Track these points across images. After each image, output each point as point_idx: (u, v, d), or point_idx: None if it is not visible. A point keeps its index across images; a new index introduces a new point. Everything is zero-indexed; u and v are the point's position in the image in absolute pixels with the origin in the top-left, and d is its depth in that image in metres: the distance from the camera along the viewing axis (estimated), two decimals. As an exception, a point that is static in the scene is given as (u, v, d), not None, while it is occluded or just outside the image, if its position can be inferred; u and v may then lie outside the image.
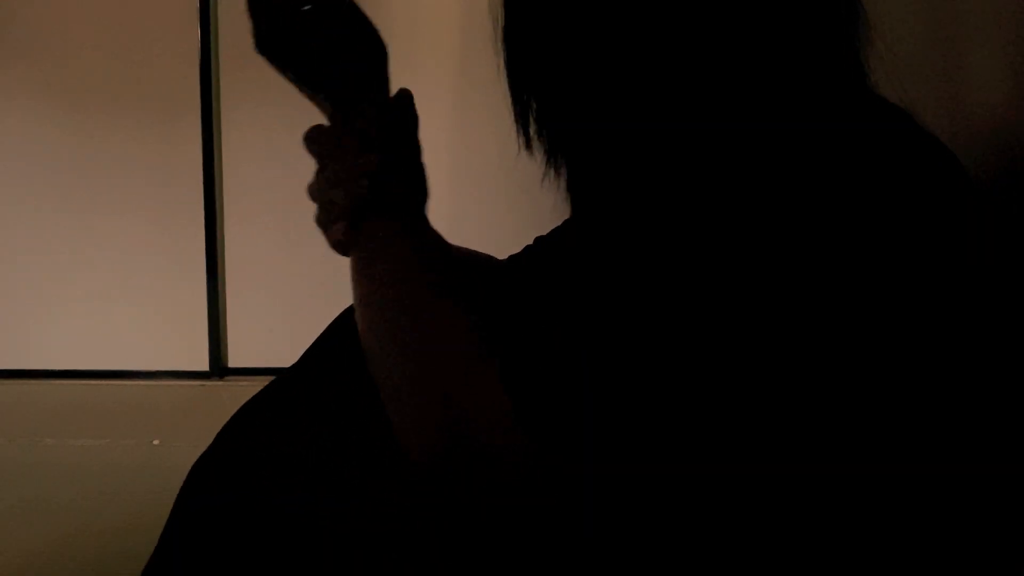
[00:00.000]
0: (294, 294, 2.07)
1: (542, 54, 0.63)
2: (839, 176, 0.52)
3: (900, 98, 0.60)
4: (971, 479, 0.54)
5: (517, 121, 0.65)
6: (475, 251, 0.85)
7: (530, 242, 0.84)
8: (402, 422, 0.59)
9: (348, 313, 0.70)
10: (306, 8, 0.65)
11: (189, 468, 0.64)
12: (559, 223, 0.81)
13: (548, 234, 0.81)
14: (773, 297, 0.51)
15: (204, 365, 2.12)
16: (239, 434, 0.65)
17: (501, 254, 0.90)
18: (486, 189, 1.97)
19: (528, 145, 0.65)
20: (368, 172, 0.62)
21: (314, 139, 0.64)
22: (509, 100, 0.66)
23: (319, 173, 0.64)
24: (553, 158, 0.65)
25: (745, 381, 0.51)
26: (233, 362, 2.13)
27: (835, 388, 0.51)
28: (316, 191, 0.64)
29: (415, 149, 0.67)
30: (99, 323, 2.12)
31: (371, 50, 0.67)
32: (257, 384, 0.69)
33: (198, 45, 2.04)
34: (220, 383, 2.11)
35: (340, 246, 0.63)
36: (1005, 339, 0.54)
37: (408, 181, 0.66)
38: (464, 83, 1.96)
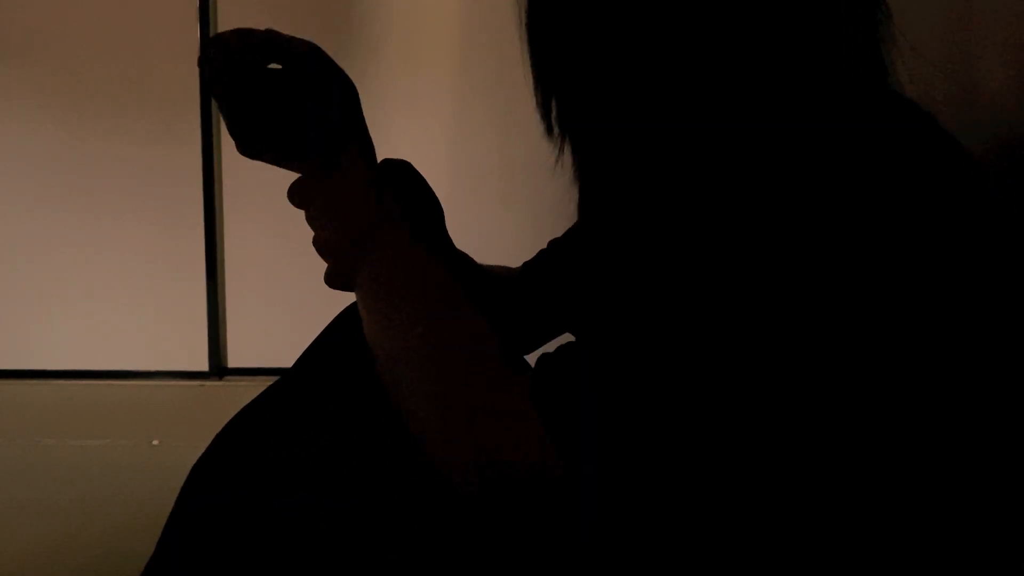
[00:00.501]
0: (294, 294, 2.07)
1: (564, 43, 0.63)
2: (852, 175, 0.52)
3: (916, 93, 0.60)
4: (971, 479, 0.54)
5: (539, 108, 0.65)
6: (490, 265, 0.85)
7: (532, 242, 0.84)
8: (436, 448, 0.58)
9: (346, 313, 0.70)
10: (271, 68, 0.62)
11: (189, 468, 0.64)
12: (559, 223, 0.81)
13: (561, 236, 0.81)
14: (777, 295, 0.51)
15: (204, 365, 2.11)
16: (239, 435, 0.65)
17: (501, 254, 0.91)
18: (486, 189, 1.97)
19: (549, 131, 0.65)
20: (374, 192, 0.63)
21: (296, 192, 0.65)
22: (532, 87, 0.65)
23: (309, 218, 0.65)
24: (569, 144, 0.65)
25: (747, 380, 0.51)
26: (232, 362, 2.13)
27: (837, 387, 0.51)
28: (316, 241, 0.65)
29: (412, 171, 0.67)
30: (99, 323, 2.12)
31: (345, 98, 0.65)
32: (256, 384, 0.69)
33: (198, 45, 2.04)
34: (219, 383, 2.11)
35: (341, 279, 0.64)
36: (1008, 338, 0.54)
37: (414, 200, 0.66)
38: (464, 83, 1.96)
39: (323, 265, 0.66)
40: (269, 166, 0.67)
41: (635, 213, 0.62)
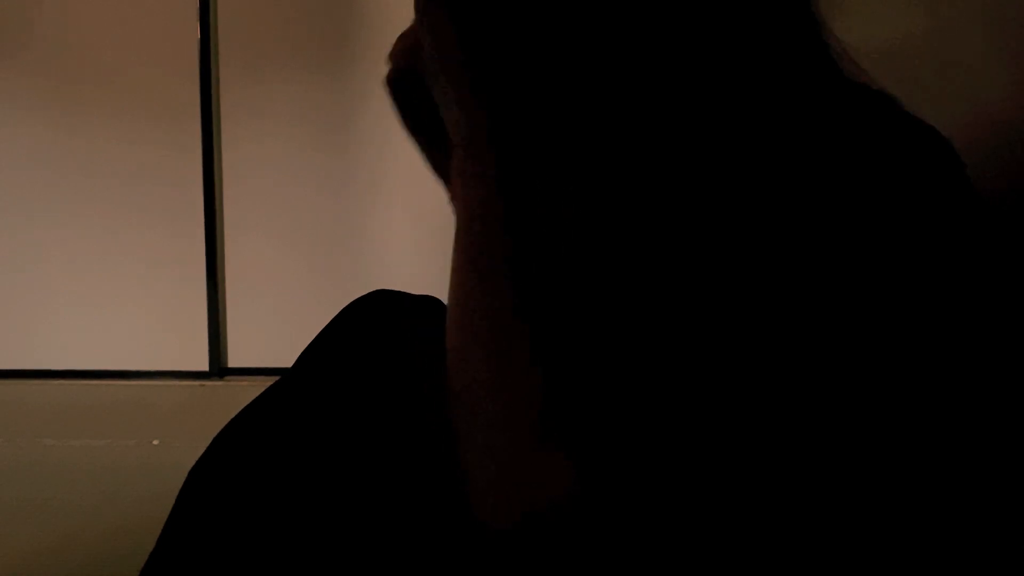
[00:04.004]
0: (294, 295, 2.07)
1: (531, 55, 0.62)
2: (826, 173, 0.52)
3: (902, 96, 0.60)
4: (971, 479, 0.54)
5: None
6: None
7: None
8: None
9: (346, 313, 0.70)
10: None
11: (189, 468, 0.65)
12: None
13: None
14: (775, 293, 0.51)
15: (204, 365, 2.12)
16: (239, 435, 0.65)
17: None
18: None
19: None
20: None
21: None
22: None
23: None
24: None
25: (747, 380, 0.51)
26: (233, 362, 2.13)
27: (837, 386, 0.51)
28: None
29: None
30: (99, 323, 2.13)
31: None
32: (257, 384, 0.69)
33: (198, 46, 2.04)
34: (220, 383, 2.11)
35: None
36: (1005, 338, 0.54)
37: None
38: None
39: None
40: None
41: (627, 217, 0.62)
